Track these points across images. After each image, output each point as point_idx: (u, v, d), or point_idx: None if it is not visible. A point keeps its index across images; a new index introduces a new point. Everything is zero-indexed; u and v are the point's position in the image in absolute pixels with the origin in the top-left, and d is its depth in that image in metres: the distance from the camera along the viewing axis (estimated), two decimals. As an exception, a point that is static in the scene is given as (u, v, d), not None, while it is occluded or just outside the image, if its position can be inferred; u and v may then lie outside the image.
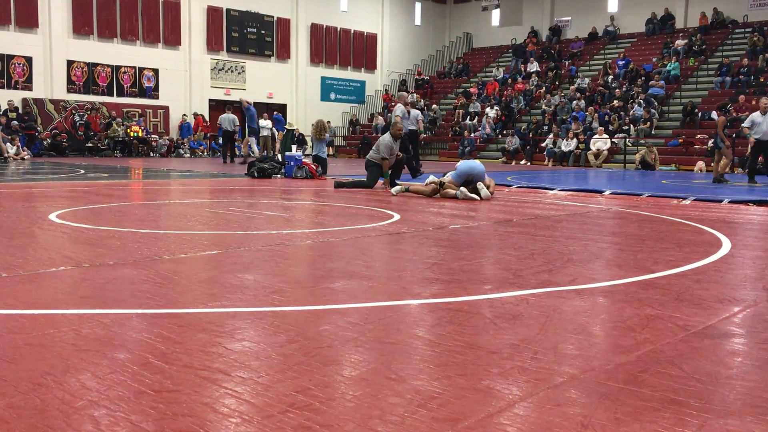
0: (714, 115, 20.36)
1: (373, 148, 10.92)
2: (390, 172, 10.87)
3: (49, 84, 23.26)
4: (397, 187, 9.28)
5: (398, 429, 1.71)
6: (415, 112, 13.94)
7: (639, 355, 2.35)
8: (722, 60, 24.38)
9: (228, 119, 19.07)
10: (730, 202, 8.79)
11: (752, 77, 22.78)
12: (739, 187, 11.84)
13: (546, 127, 24.32)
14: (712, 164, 14.56)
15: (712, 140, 16.35)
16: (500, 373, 2.15)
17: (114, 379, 2.03)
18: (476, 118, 26.80)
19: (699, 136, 20.68)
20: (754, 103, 21.19)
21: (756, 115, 12.58)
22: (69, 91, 23.68)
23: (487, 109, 26.65)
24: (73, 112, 23.37)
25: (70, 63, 23.66)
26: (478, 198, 8.61)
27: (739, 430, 1.74)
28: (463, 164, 8.99)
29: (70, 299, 3.04)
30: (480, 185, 8.70)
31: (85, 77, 24.05)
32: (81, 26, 23.72)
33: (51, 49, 23.14)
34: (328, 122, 29.27)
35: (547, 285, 3.48)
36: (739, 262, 4.37)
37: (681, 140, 21.07)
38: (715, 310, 3.04)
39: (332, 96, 31.50)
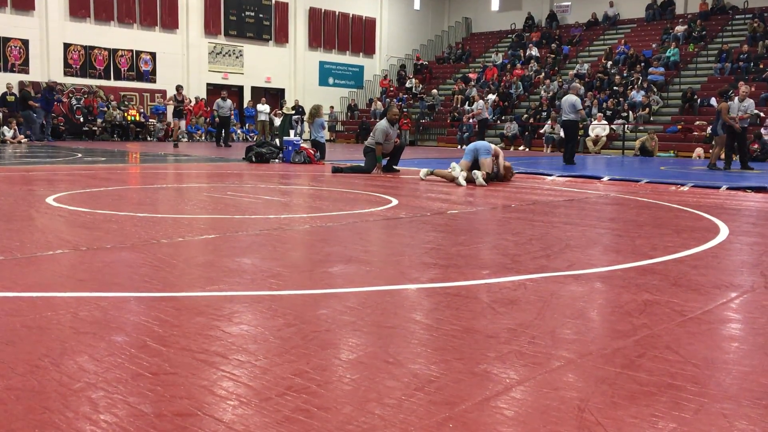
0: (713, 101, 20.30)
1: (371, 133, 10.92)
2: (389, 158, 10.87)
3: (46, 67, 23.11)
4: (424, 170, 9.54)
5: (395, 412, 1.71)
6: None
7: (636, 339, 2.36)
8: (722, 46, 24.28)
9: (228, 105, 19.41)
10: (728, 188, 8.79)
11: (752, 64, 22.69)
12: (736, 174, 11.83)
13: (545, 113, 24.26)
14: (711, 151, 14.58)
15: (711, 127, 16.32)
16: (497, 357, 2.15)
17: (111, 361, 2.03)
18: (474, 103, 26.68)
19: (698, 122, 20.63)
20: (754, 89, 21.12)
21: (734, 102, 12.69)
22: (66, 74, 23.55)
23: (479, 99, 26.52)
24: (70, 95, 23.25)
25: (66, 46, 23.51)
26: (474, 183, 8.66)
27: (735, 415, 1.75)
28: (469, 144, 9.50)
29: (68, 282, 3.04)
30: (474, 173, 8.75)
31: (82, 60, 23.90)
32: (78, 9, 23.54)
33: (47, 32, 22.98)
34: (331, 107, 29.18)
35: (544, 270, 3.48)
36: (736, 248, 4.37)
37: (680, 126, 21.03)
38: (713, 295, 3.04)
39: (331, 81, 31.36)
